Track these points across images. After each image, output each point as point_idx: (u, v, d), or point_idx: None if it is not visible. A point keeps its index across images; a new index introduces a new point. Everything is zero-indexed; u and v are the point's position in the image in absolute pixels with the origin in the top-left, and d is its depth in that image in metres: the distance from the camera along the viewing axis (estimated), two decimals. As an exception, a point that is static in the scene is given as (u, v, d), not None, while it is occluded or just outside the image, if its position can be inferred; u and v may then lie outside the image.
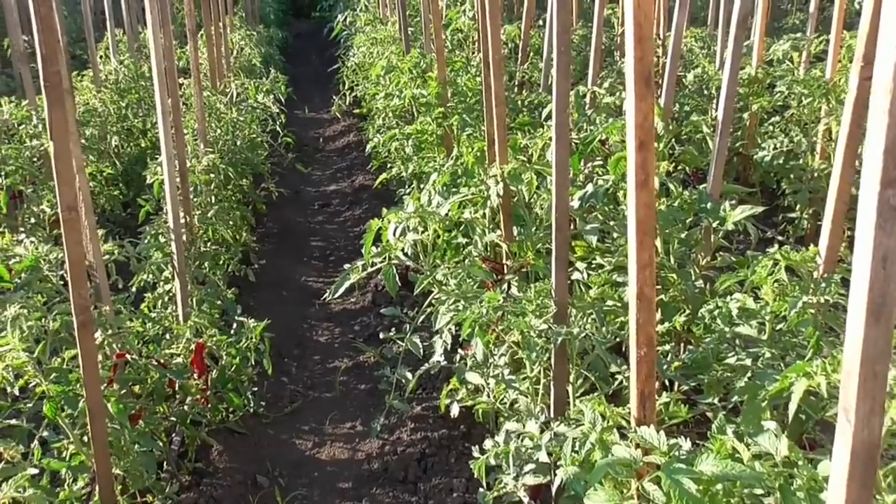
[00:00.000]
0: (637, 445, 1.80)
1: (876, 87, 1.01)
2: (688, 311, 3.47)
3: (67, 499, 2.44)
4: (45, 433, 3.01)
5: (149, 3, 4.00)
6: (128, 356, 3.44)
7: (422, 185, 5.04)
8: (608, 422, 1.94)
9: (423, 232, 3.26)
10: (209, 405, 3.93)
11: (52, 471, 2.91)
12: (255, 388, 4.35)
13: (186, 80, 6.06)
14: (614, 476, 1.75)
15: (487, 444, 2.34)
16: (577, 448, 1.88)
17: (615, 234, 3.77)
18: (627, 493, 1.72)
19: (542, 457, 2.16)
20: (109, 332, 3.39)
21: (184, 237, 4.70)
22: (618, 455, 1.74)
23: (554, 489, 2.06)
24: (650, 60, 1.58)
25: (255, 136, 6.61)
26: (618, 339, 2.78)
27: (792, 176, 5.57)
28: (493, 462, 2.33)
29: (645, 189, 1.68)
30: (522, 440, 2.22)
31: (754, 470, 1.68)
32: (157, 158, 5.24)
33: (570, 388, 2.83)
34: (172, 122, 4.30)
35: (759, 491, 1.99)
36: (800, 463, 1.78)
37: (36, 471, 2.45)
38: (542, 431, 2.20)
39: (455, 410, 3.63)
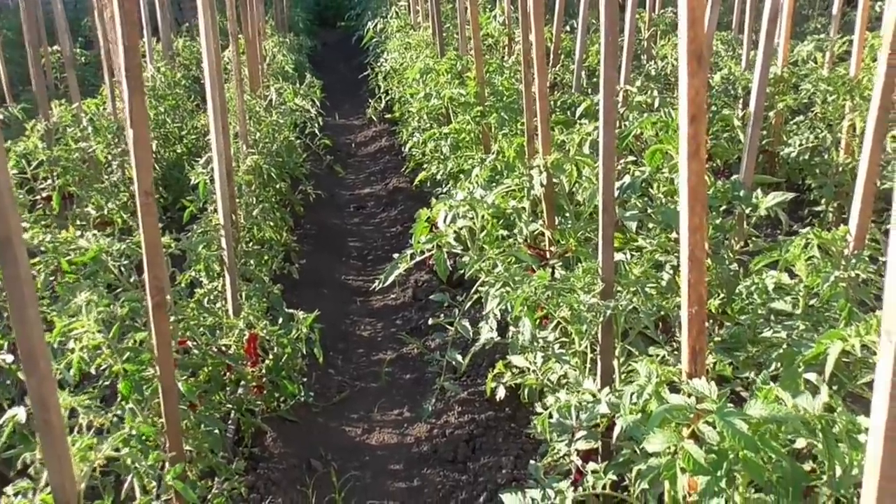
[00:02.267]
0: (689, 396, 1.97)
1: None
2: (722, 295, 3.64)
3: (156, 460, 2.63)
4: (118, 412, 3.20)
5: (202, 7, 4.23)
6: (189, 343, 3.64)
7: (458, 184, 5.23)
8: (661, 378, 2.10)
9: (471, 219, 3.44)
10: (263, 393, 4.13)
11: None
12: (305, 379, 4.54)
13: (226, 84, 6.28)
14: (670, 421, 1.91)
15: (549, 400, 2.51)
16: (634, 400, 2.04)
17: (650, 225, 3.94)
18: (686, 435, 1.88)
19: (603, 409, 2.32)
20: (173, 319, 3.59)
21: (232, 234, 4.92)
22: (674, 402, 1.91)
23: (615, 436, 2.21)
24: (701, 41, 1.75)
25: (292, 139, 6.83)
26: (662, 313, 2.94)
27: (817, 171, 5.71)
28: (555, 416, 2.49)
29: (696, 159, 1.85)
30: (583, 395, 2.38)
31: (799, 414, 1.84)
32: (196, 161, 5.47)
33: (615, 363, 3.00)
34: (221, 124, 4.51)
35: (800, 444, 2.16)
36: (838, 409, 1.94)
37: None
38: (601, 391, 2.35)
39: (501, 393, 3.79)
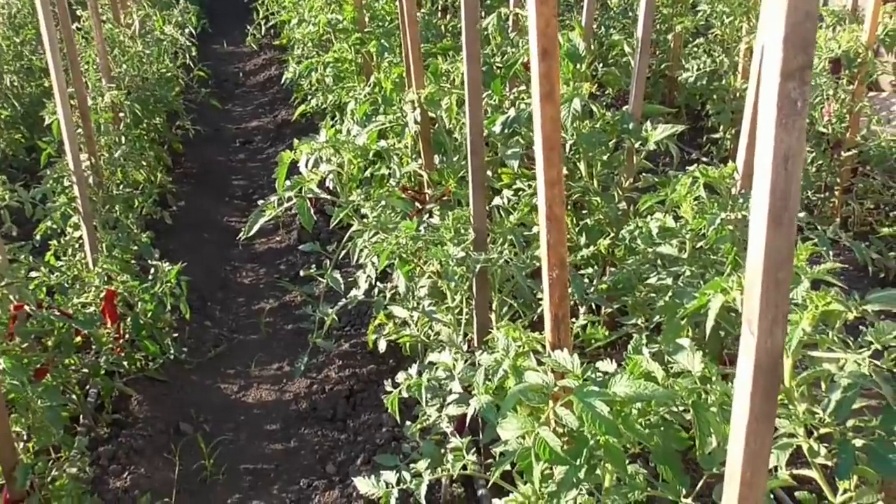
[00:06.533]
0: (552, 370, 1.75)
1: (776, -32, 0.92)
2: (612, 234, 3.44)
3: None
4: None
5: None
6: (27, 307, 3.24)
7: (344, 117, 4.86)
8: (523, 347, 1.87)
9: (338, 163, 3.11)
10: (124, 354, 3.78)
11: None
12: (176, 334, 4.20)
13: (85, 13, 5.68)
14: (528, 403, 1.69)
15: (400, 376, 2.27)
16: (490, 376, 1.81)
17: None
18: (542, 419, 1.67)
19: (457, 387, 2.10)
20: (3, 283, 3.18)
21: (89, 179, 4.46)
22: (530, 381, 1.68)
23: (468, 419, 2.00)
24: (549, -40, 1.46)
25: (165, 70, 6.28)
26: (539, 265, 2.71)
27: (715, 97, 5.56)
28: (407, 395, 2.26)
29: (550, 101, 1.57)
30: (436, 371, 2.15)
31: (668, 389, 1.64)
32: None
33: (493, 317, 2.77)
34: (66, 56, 4.02)
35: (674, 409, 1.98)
36: (713, 379, 1.75)
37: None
38: (463, 361, 2.12)
39: (382, 345, 3.55)
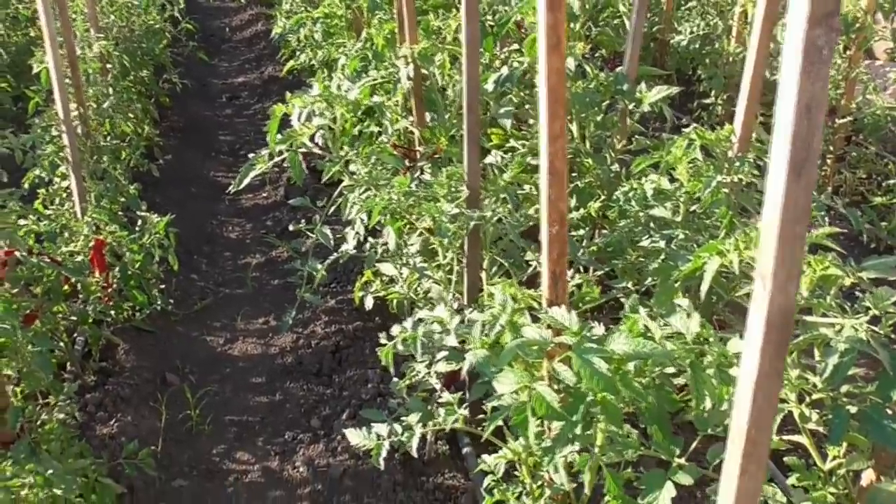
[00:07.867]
0: (548, 327, 1.74)
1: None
2: (603, 197, 3.43)
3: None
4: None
5: None
6: (17, 253, 3.20)
7: (333, 74, 4.79)
8: (519, 304, 1.86)
9: (330, 118, 3.06)
10: (112, 303, 3.75)
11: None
12: (163, 286, 4.17)
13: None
14: (525, 358, 1.69)
15: (395, 329, 2.26)
16: (486, 331, 1.81)
17: (531, 121, 3.65)
18: (538, 374, 1.66)
19: (452, 341, 2.09)
20: (-5, 228, 3.13)
21: (78, 129, 4.38)
22: (528, 336, 1.68)
23: (464, 373, 2.00)
24: None
25: (153, 22, 6.15)
26: (532, 224, 2.70)
27: (707, 61, 5.53)
28: (401, 349, 2.25)
29: (556, 53, 1.55)
30: (431, 325, 2.14)
31: (665, 348, 1.64)
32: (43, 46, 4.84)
33: (483, 275, 2.76)
34: (56, 4, 3.92)
35: (670, 370, 1.98)
36: (710, 340, 1.75)
37: None
38: (453, 316, 2.12)
39: (369, 302, 3.55)
